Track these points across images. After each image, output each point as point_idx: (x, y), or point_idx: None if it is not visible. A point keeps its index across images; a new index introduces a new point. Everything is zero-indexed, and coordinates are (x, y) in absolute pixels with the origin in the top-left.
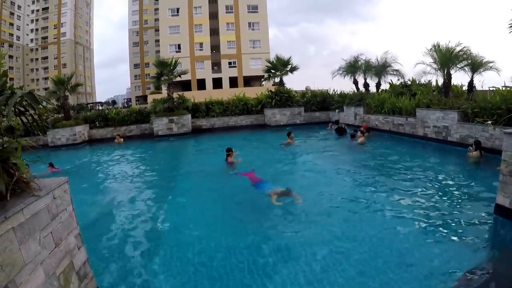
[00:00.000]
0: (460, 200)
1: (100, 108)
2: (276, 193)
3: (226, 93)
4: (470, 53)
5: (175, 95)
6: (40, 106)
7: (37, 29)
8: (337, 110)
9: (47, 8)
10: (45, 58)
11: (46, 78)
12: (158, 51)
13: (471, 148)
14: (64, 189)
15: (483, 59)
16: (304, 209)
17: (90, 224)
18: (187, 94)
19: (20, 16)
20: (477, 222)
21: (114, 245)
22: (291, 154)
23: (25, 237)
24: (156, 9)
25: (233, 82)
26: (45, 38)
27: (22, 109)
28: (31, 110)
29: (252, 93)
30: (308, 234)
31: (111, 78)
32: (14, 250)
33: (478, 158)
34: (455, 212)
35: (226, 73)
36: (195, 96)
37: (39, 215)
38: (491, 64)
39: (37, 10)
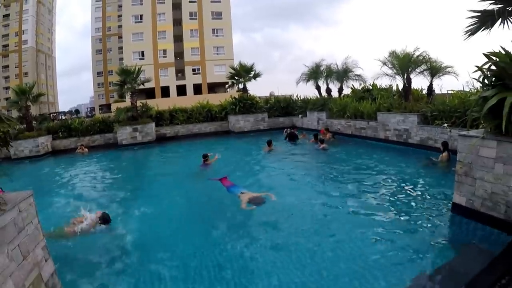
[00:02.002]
0: (419, 200)
1: (63, 118)
2: (249, 197)
3: (190, 101)
4: (429, 58)
5: (138, 103)
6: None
7: None
8: (300, 115)
9: (8, 15)
10: (6, 66)
11: (7, 88)
12: (121, 59)
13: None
14: (29, 202)
15: (441, 64)
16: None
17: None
18: (150, 102)
19: None
20: (435, 221)
21: (78, 259)
22: (262, 161)
23: None
24: (120, 16)
25: (198, 89)
26: (6, 46)
27: None
28: None
29: (216, 99)
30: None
31: (74, 86)
32: None
33: (446, 161)
34: (414, 212)
35: (190, 80)
36: (159, 104)
37: (6, 228)
38: (449, 69)
39: None
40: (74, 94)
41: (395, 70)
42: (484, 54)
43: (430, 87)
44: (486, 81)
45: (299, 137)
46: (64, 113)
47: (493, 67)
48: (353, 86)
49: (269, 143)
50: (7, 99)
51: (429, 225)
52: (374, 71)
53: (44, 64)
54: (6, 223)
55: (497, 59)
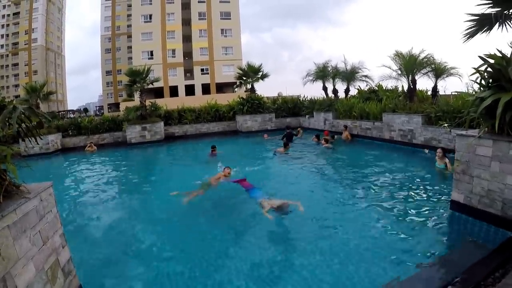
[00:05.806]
0: (420, 198)
1: (72, 116)
2: (271, 204)
3: (198, 100)
4: (433, 59)
5: (147, 102)
6: (38, 118)
7: (7, 35)
8: (307, 116)
9: (18, 13)
10: (16, 64)
11: (16, 85)
12: (130, 58)
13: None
14: (49, 193)
15: (446, 65)
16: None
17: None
18: (159, 102)
19: None
20: (435, 217)
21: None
22: (270, 161)
23: (18, 234)
24: (129, 15)
25: (206, 89)
26: (15, 44)
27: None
28: (27, 122)
29: (224, 99)
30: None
31: (82, 85)
32: (9, 245)
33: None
34: (415, 209)
35: (199, 80)
36: (167, 103)
37: (29, 215)
38: (453, 70)
39: (8, 15)
40: (83, 92)
41: (400, 72)
42: (480, 57)
43: (434, 88)
44: (483, 82)
45: (298, 135)
46: (73, 111)
47: (490, 69)
48: (359, 87)
49: (285, 145)
50: (16, 96)
51: (428, 221)
52: (380, 72)
53: (54, 62)
54: (29, 210)
55: (493, 61)
